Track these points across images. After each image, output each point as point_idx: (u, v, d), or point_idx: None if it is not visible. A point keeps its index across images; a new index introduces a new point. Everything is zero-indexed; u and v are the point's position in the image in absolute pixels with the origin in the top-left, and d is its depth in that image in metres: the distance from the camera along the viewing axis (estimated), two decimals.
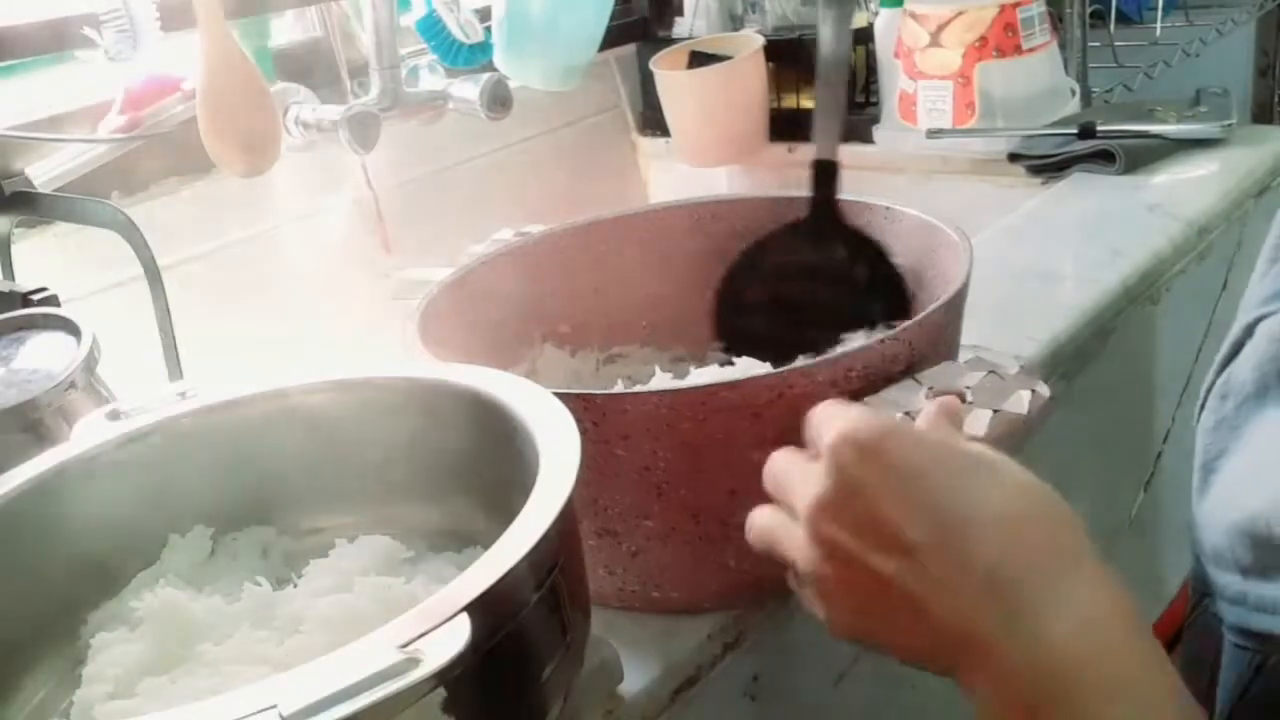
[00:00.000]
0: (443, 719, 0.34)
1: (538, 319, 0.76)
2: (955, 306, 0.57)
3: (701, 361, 0.78)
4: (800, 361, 0.52)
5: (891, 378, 0.52)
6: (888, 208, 0.70)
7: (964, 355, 0.57)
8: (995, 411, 0.48)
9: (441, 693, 0.34)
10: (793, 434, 0.50)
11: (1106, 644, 0.37)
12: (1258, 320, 0.50)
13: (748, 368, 0.63)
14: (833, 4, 0.67)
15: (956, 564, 0.38)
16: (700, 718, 0.57)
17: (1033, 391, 0.49)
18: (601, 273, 0.77)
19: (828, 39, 0.67)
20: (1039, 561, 0.38)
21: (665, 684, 0.54)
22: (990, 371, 0.51)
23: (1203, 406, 0.53)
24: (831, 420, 0.42)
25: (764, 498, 0.52)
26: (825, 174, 0.70)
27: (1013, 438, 0.48)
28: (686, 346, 0.79)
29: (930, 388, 0.51)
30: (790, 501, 0.43)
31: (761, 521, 0.46)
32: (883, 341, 0.52)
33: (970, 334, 0.61)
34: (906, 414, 0.49)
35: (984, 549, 0.38)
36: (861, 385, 0.52)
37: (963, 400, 0.49)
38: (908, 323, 0.53)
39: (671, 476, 0.53)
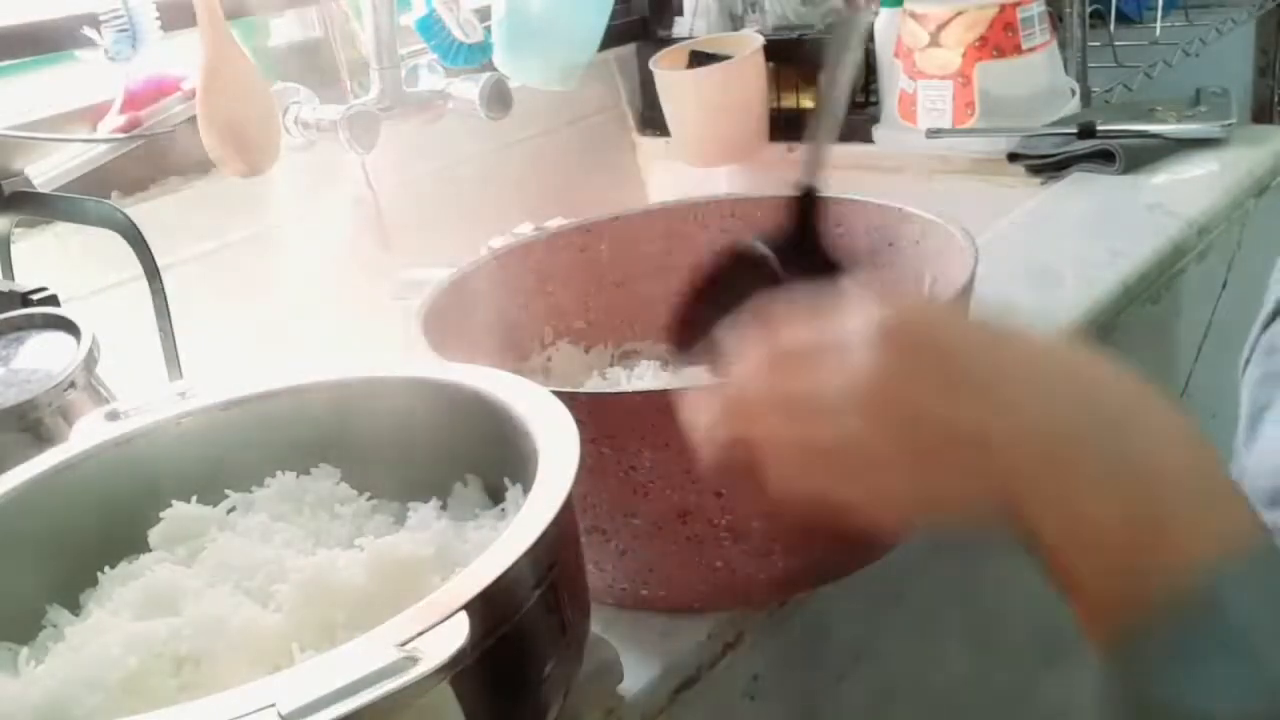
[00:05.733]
0: (442, 717, 0.34)
1: (552, 315, 0.76)
2: None
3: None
4: None
5: None
6: (900, 209, 0.69)
7: None
8: None
9: (448, 689, 0.34)
10: None
11: (1186, 452, 0.38)
12: None
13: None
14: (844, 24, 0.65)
15: (1042, 401, 0.38)
16: (700, 717, 0.57)
17: None
18: (620, 268, 0.77)
19: (840, 61, 0.64)
20: (1108, 383, 0.40)
21: (665, 683, 0.55)
22: None
23: (1248, 361, 0.54)
24: (856, 309, 0.40)
25: (750, 501, 0.52)
26: (809, 201, 0.65)
27: None
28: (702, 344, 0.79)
29: None
30: (844, 383, 0.39)
31: (785, 436, 0.41)
32: None
33: None
34: None
35: (1059, 381, 0.39)
36: None
37: None
38: None
39: (657, 476, 0.52)
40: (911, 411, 0.39)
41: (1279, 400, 0.50)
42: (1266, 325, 0.53)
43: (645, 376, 0.74)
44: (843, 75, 0.64)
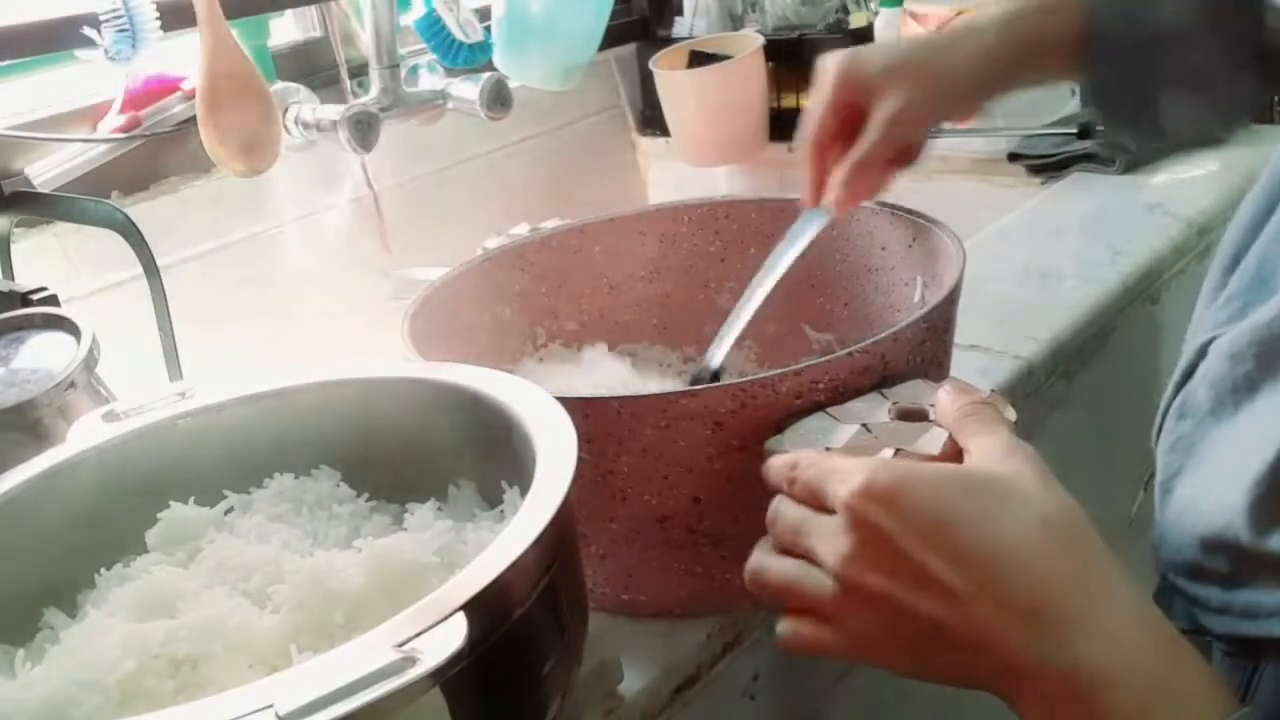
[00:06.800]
0: (440, 718, 0.34)
1: (544, 317, 0.75)
2: (938, 319, 0.55)
3: None
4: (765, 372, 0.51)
5: (861, 390, 0.51)
6: (891, 212, 0.69)
7: (960, 359, 0.56)
8: None
9: (438, 692, 0.34)
10: (755, 444, 0.50)
11: (1133, 652, 0.39)
12: (1209, 341, 0.51)
13: None
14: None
15: (993, 601, 0.40)
16: (700, 717, 0.57)
17: None
18: (613, 270, 0.77)
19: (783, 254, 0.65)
20: (1065, 587, 0.40)
21: (665, 683, 0.54)
22: None
23: (1160, 428, 0.54)
24: (839, 475, 0.43)
25: (728, 507, 0.52)
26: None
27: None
28: (698, 346, 0.78)
29: (894, 403, 0.50)
30: (813, 553, 0.43)
31: (780, 570, 0.45)
32: (852, 355, 0.51)
33: (971, 334, 0.61)
34: (864, 426, 0.48)
35: (1017, 585, 0.40)
36: (827, 398, 0.51)
37: (925, 418, 0.49)
38: (881, 335, 0.52)
39: (634, 482, 0.52)
40: (890, 605, 0.41)
41: (1190, 467, 0.50)
42: (1178, 389, 0.53)
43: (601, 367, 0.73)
44: (779, 267, 0.65)
